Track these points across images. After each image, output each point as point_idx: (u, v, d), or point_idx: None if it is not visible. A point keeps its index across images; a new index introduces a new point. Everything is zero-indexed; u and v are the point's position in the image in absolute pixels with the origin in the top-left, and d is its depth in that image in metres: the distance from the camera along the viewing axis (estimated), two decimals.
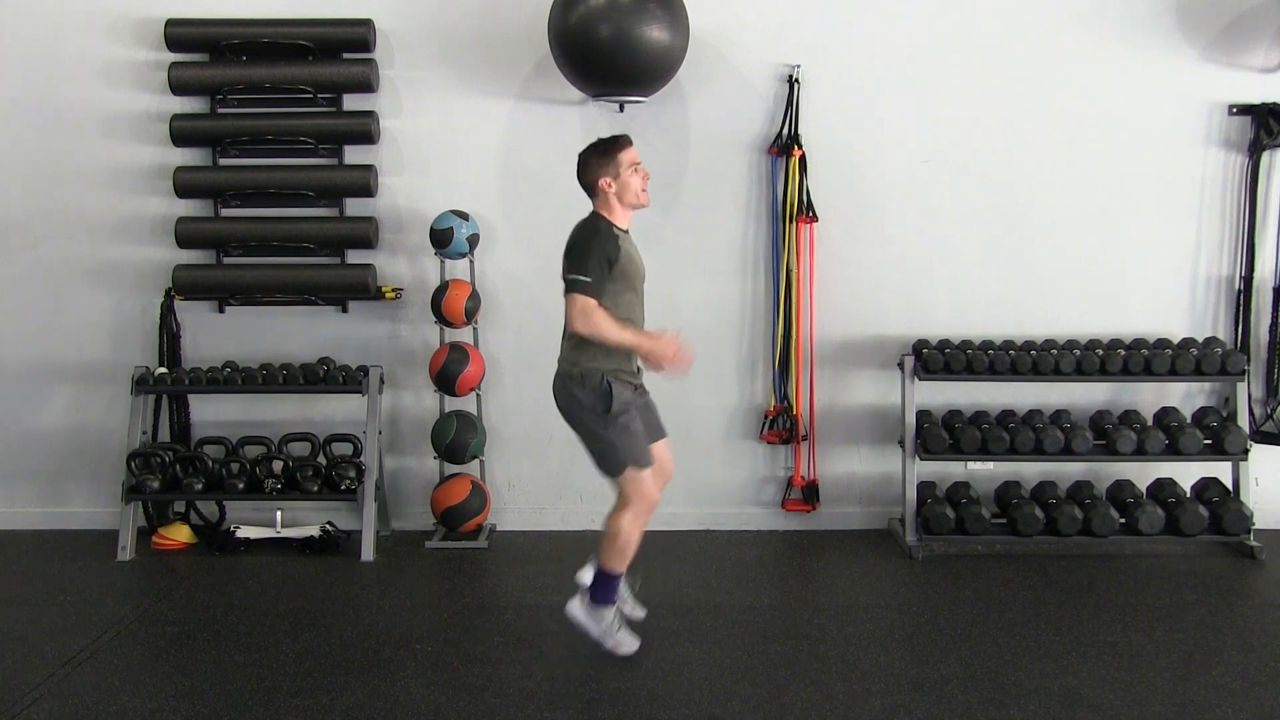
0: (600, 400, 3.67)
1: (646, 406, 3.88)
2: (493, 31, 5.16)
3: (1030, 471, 5.22)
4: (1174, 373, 4.93)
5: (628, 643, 3.82)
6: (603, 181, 3.71)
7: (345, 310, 5.33)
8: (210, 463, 5.06)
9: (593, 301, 3.58)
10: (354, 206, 5.27)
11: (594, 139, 3.89)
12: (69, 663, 3.83)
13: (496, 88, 5.20)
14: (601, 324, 3.59)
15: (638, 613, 4.07)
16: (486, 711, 3.46)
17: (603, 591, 3.79)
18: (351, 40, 5.10)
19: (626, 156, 3.72)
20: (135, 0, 5.15)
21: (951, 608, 4.32)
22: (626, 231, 3.78)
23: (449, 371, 5.01)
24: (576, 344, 3.70)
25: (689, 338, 3.79)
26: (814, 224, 5.17)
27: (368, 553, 4.94)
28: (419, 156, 5.25)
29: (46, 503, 5.46)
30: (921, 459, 5.01)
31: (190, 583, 4.70)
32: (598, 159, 3.73)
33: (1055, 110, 5.17)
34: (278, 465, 5.08)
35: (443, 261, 5.14)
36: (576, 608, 3.83)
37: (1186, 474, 5.07)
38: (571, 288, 3.61)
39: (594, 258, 3.61)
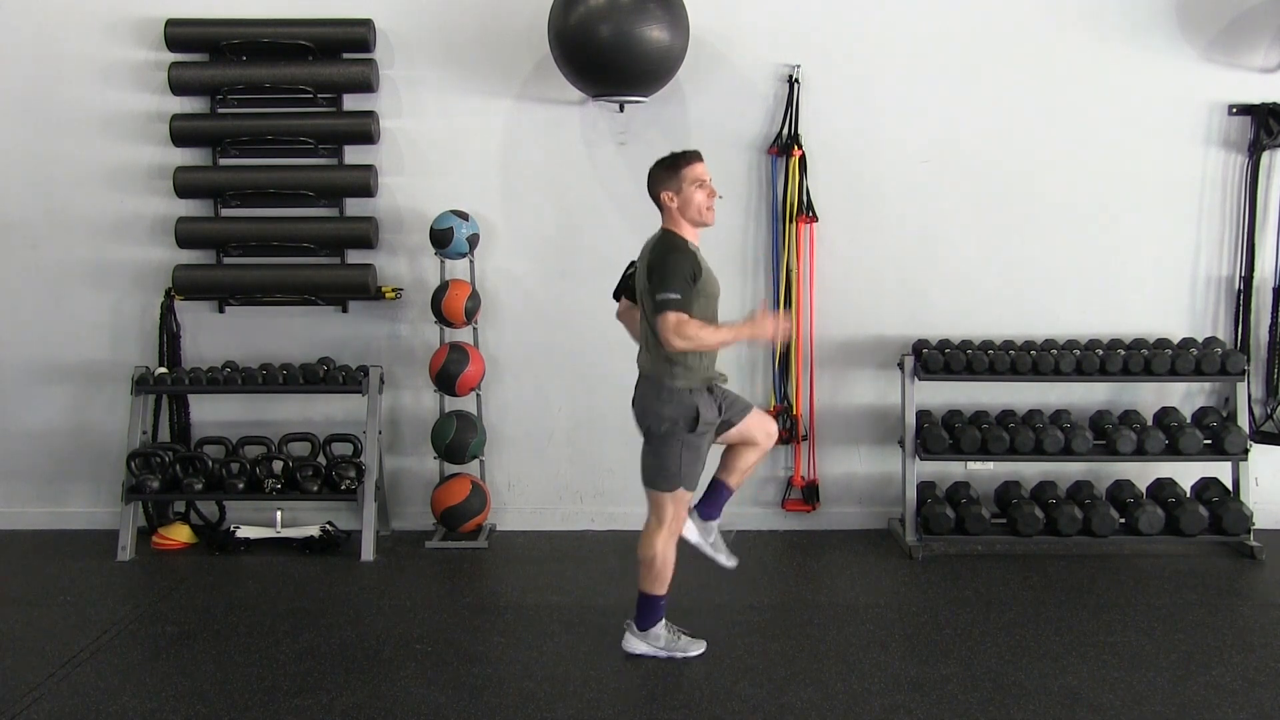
0: (685, 418, 3.65)
1: (725, 395, 3.84)
2: (493, 31, 5.16)
3: (1030, 471, 5.22)
4: (1174, 373, 4.93)
5: (695, 646, 3.87)
6: (665, 195, 3.69)
7: (345, 310, 5.33)
8: (210, 463, 5.06)
9: (685, 315, 3.54)
10: (354, 206, 5.27)
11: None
12: (69, 663, 3.83)
13: (496, 88, 5.20)
14: (698, 334, 3.55)
15: (731, 562, 4.05)
16: (486, 711, 3.46)
17: (648, 617, 3.83)
18: (351, 40, 5.10)
19: (691, 172, 3.67)
20: (135, 0, 5.15)
21: (951, 608, 4.32)
22: (698, 247, 3.76)
23: (449, 371, 5.01)
24: (663, 357, 3.65)
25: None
26: (814, 224, 5.18)
27: (368, 553, 4.94)
28: (419, 156, 5.25)
29: (46, 503, 5.46)
30: (921, 459, 5.01)
31: (190, 583, 4.69)
32: (663, 173, 3.71)
33: (1055, 110, 5.17)
34: (278, 465, 5.08)
35: (443, 261, 5.14)
36: (631, 643, 3.86)
37: (1186, 474, 5.07)
38: (662, 306, 3.54)
39: (679, 274, 3.57)
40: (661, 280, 3.57)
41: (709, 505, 3.95)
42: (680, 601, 4.23)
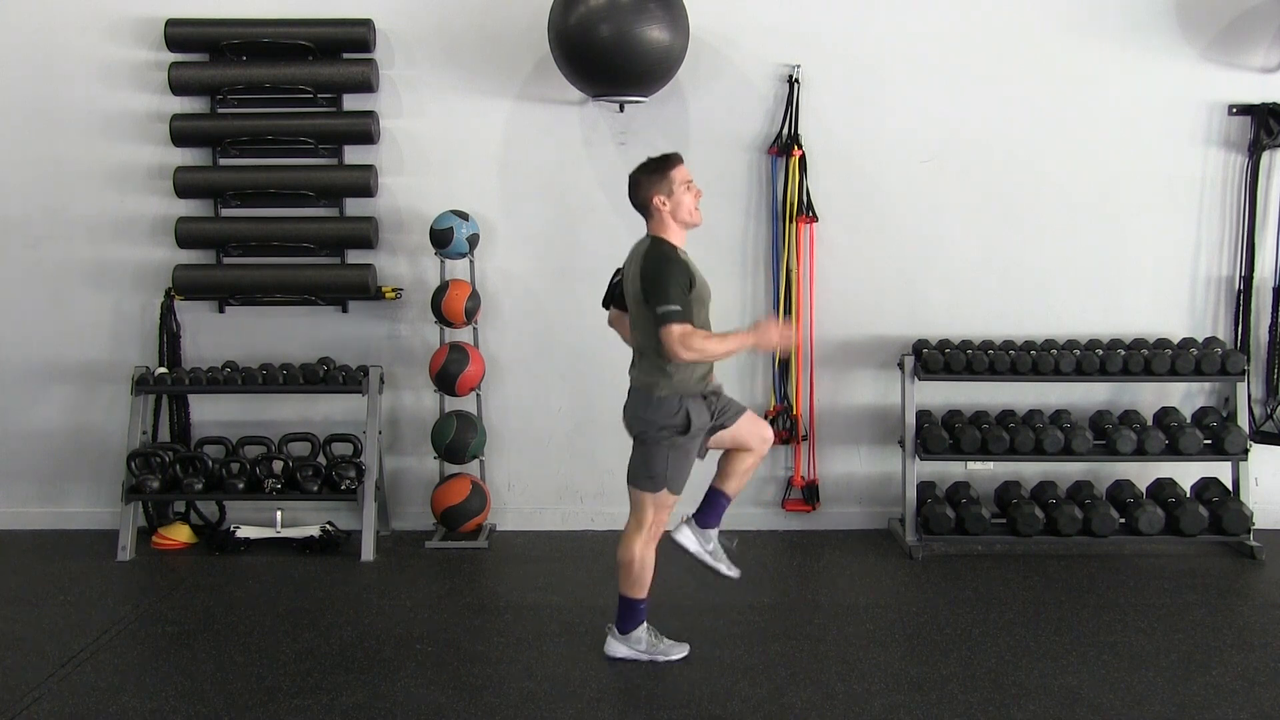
0: (676, 424, 3.62)
1: (719, 400, 3.81)
2: (493, 31, 5.16)
3: (1030, 471, 5.22)
4: (1174, 373, 4.93)
5: (677, 650, 3.85)
6: (657, 200, 3.63)
7: (345, 310, 5.33)
8: (210, 463, 5.06)
9: (688, 327, 3.52)
10: (354, 206, 5.27)
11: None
12: (69, 663, 3.83)
13: (496, 88, 5.20)
14: (704, 345, 3.53)
15: (733, 572, 3.97)
16: (486, 711, 3.46)
17: (629, 620, 3.81)
18: (351, 40, 5.10)
19: (678, 174, 3.64)
20: (135, 0, 5.15)
21: (951, 608, 4.32)
22: (686, 252, 3.72)
23: (449, 371, 5.01)
24: (654, 369, 3.63)
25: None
26: (814, 224, 5.18)
27: (368, 553, 4.94)
28: (419, 156, 5.25)
29: (46, 503, 5.46)
30: (921, 459, 5.01)
31: (190, 583, 4.70)
32: (650, 177, 3.66)
33: (1055, 110, 5.17)
34: (278, 465, 5.08)
35: (443, 261, 5.14)
36: (613, 646, 3.84)
37: (1186, 474, 5.07)
38: (665, 319, 3.50)
39: (676, 284, 3.54)
40: (660, 293, 3.53)
41: (707, 514, 3.90)
42: (681, 602, 4.25)
